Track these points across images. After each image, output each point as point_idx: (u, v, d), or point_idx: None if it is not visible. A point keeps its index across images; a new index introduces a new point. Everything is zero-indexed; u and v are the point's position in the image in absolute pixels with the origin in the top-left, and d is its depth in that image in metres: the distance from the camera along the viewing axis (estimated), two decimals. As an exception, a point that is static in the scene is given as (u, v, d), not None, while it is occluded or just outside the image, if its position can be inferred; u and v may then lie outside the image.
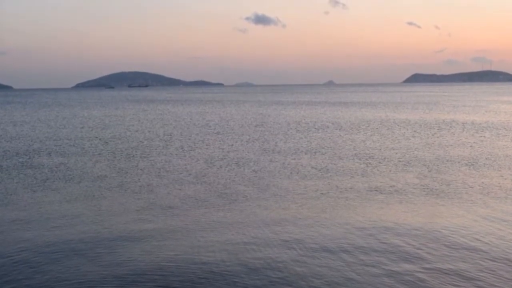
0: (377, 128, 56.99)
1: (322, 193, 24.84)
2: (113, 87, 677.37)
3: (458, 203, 22.69)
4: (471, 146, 40.85)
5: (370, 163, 32.98)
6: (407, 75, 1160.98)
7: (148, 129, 59.89)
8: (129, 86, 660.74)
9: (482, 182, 26.89)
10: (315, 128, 57.45)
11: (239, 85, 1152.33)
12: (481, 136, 47.34)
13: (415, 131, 52.55)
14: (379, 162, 33.35)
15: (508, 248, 16.89)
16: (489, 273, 14.93)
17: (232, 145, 43.26)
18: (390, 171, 30.46)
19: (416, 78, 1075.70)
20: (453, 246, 17.16)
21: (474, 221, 19.98)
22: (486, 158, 34.41)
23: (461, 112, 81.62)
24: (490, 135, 48.58)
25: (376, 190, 25.34)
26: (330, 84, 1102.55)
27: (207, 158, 35.92)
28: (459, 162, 32.99)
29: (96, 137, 50.64)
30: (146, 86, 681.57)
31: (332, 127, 58.40)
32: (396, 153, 37.19)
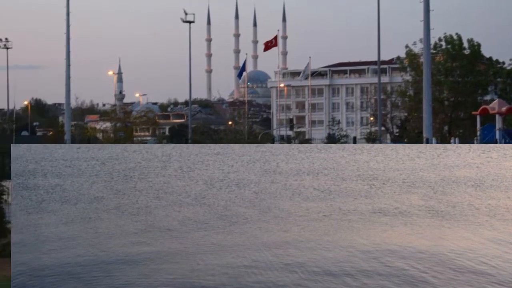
0: (381, 148, 56.66)
1: (324, 215, 24.42)
2: None
3: (464, 225, 22.25)
4: (477, 166, 40.46)
5: (373, 184, 32.60)
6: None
7: (146, 149, 59.57)
8: None
9: (489, 204, 26.46)
10: (317, 148, 57.18)
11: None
12: (487, 157, 46.88)
13: (420, 152, 52.13)
14: (383, 183, 32.96)
15: (517, 272, 16.46)
16: (498, 298, 14.52)
17: (232, 165, 42.92)
18: (394, 192, 30.07)
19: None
20: (459, 269, 16.70)
21: (480, 244, 19.54)
22: (493, 179, 34.00)
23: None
24: (497, 155, 48.14)
25: (380, 212, 24.92)
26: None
27: (207, 179, 35.55)
28: (465, 184, 32.59)
29: (93, 158, 50.25)
30: None
31: (335, 147, 58.09)
32: (401, 174, 36.80)
